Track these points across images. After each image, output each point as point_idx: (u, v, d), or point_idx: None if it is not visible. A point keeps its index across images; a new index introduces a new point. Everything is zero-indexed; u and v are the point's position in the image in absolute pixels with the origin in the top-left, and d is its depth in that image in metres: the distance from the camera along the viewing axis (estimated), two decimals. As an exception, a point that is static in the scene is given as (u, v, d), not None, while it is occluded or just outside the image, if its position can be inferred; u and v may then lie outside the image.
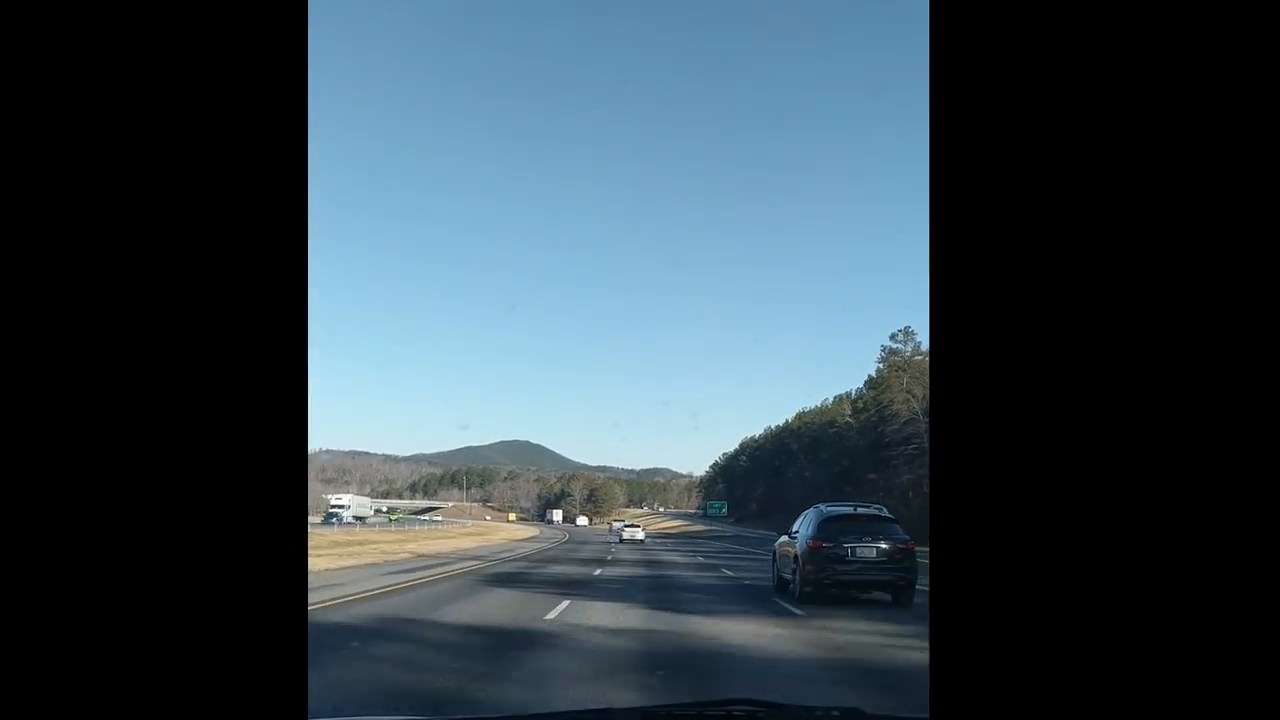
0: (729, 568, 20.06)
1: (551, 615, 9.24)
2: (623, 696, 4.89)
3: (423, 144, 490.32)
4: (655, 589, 13.47)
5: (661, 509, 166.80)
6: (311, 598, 9.96)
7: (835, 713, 1.83)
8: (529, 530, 75.24)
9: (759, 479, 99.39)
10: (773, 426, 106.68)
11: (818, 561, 10.68)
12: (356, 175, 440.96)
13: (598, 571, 17.40)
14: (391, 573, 16.23)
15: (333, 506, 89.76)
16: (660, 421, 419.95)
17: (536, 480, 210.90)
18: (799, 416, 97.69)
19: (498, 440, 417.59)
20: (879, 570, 10.70)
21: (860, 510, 11.79)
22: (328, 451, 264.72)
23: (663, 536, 63.27)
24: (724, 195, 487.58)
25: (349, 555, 21.75)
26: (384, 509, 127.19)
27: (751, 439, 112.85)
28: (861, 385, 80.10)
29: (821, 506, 11.95)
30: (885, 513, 12.07)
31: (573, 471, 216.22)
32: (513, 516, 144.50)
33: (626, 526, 51.07)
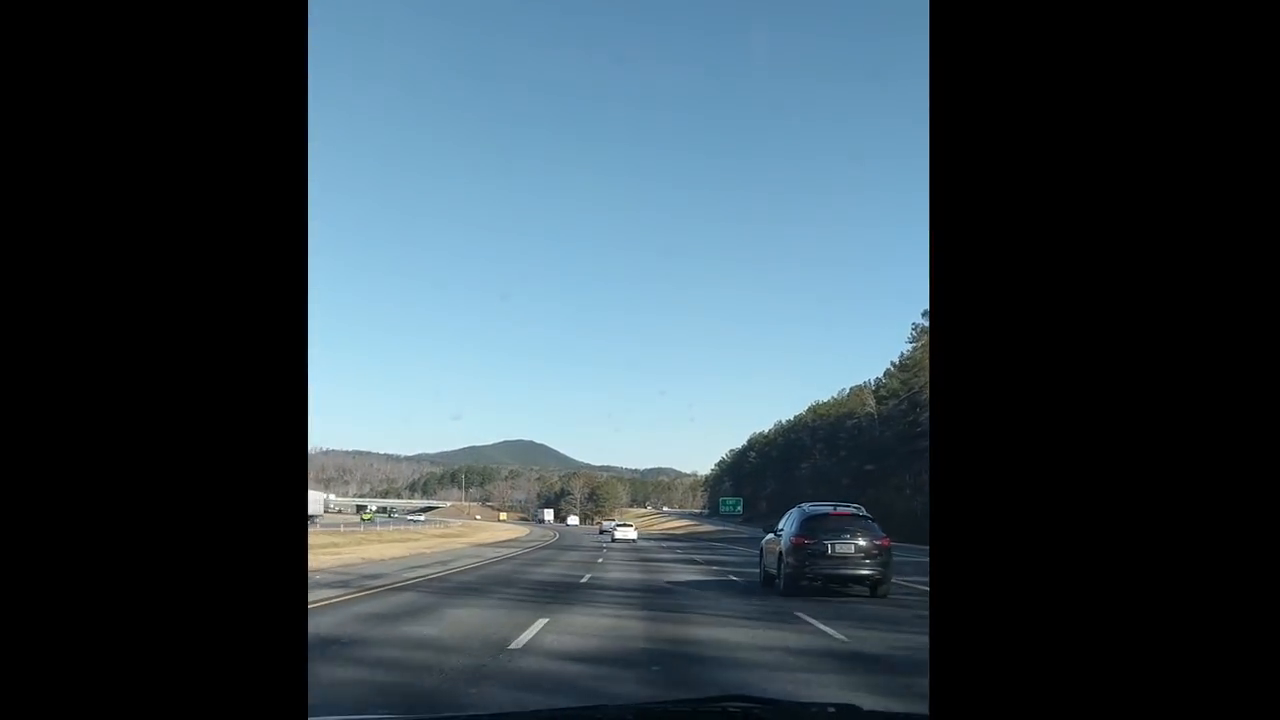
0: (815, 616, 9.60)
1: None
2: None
3: (419, 139, 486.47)
4: None
5: (666, 508, 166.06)
6: None
7: (831, 709, 1.87)
8: (515, 530, 68.60)
9: (770, 476, 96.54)
10: (783, 421, 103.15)
11: (800, 557, 11.65)
12: (352, 166, 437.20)
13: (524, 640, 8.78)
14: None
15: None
16: (664, 420, 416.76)
17: (538, 479, 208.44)
18: (812, 410, 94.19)
19: (501, 440, 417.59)
20: (857, 565, 11.55)
21: (840, 509, 12.69)
22: (328, 451, 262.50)
23: (669, 539, 55.31)
24: (724, 186, 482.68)
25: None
26: (355, 507, 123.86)
27: (761, 434, 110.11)
28: (880, 375, 75.41)
29: (804, 506, 12.95)
30: (863, 512, 12.79)
31: (575, 471, 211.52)
32: (503, 515, 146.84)
33: (618, 526, 50.93)
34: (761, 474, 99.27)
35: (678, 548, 39.11)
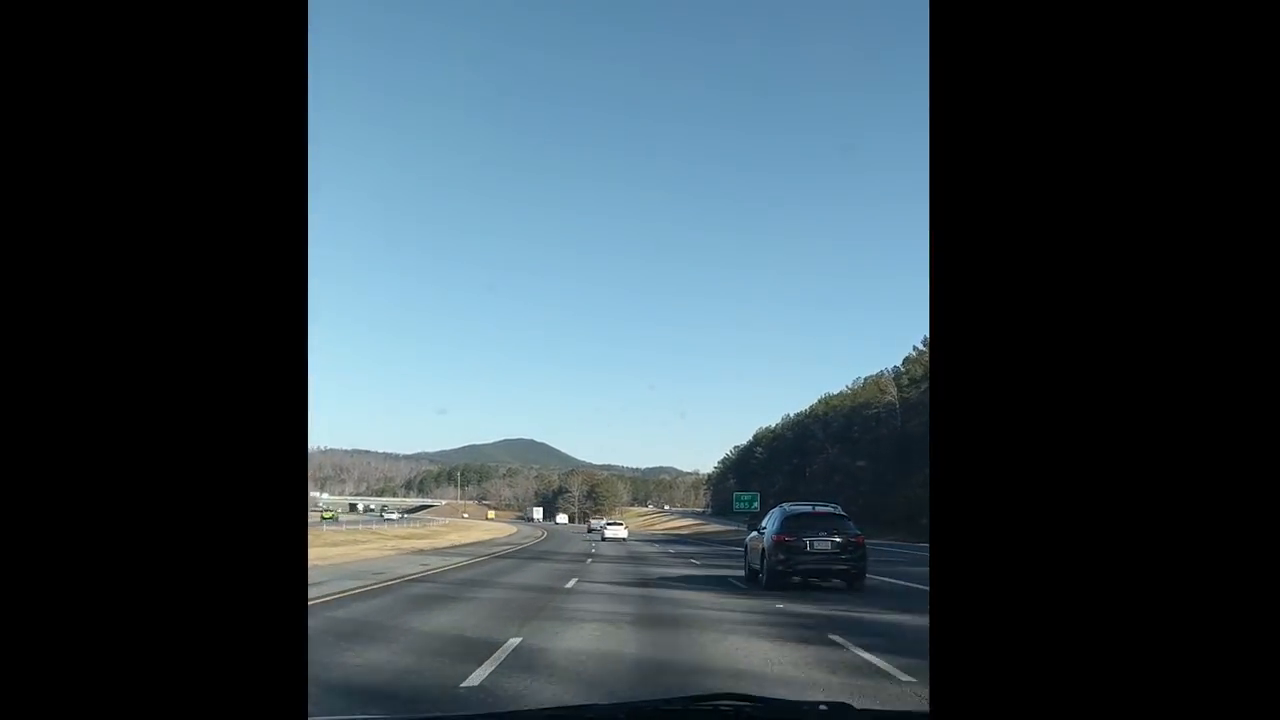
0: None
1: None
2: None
3: (419, 133, 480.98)
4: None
5: (668, 506, 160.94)
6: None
7: (823, 706, 1.86)
8: (497, 530, 62.64)
9: (778, 472, 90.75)
10: (791, 414, 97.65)
11: (781, 553, 12.55)
12: (352, 166, 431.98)
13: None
14: None
15: None
16: (664, 418, 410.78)
17: (536, 477, 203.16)
18: (824, 401, 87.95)
19: (501, 439, 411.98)
20: (834, 561, 12.56)
21: (819, 509, 13.80)
22: (327, 450, 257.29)
23: (672, 542, 48.47)
24: (725, 178, 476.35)
25: None
26: (349, 505, 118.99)
27: (768, 429, 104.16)
28: (898, 364, 69.64)
29: (785, 505, 14.00)
30: (839, 510, 13.86)
31: (575, 469, 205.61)
32: (491, 514, 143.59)
33: (608, 525, 48.76)
34: (770, 470, 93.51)
35: (693, 559, 25.11)
